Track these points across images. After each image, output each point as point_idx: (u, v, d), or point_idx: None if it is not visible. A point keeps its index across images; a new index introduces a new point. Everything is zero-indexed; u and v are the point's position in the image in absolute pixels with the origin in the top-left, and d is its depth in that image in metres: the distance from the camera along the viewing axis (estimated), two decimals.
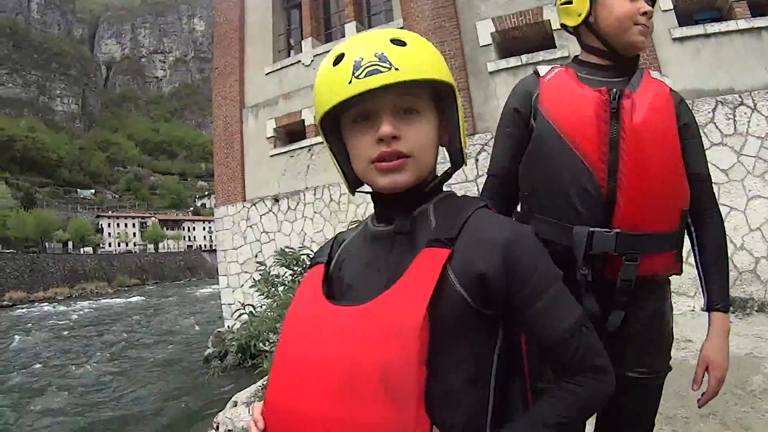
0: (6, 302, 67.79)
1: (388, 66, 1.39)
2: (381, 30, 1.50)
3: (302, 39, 20.41)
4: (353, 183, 1.70)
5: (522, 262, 1.42)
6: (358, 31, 18.53)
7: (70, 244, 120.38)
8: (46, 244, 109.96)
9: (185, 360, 23.77)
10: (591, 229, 2.26)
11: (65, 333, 36.29)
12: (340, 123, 1.60)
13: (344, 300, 1.52)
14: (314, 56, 19.57)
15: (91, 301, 65.94)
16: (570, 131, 2.33)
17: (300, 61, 20.02)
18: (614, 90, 2.31)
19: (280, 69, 20.62)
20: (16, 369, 22.67)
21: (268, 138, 20.33)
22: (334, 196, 17.87)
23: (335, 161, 1.67)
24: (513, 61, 14.77)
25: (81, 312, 51.86)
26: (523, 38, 15.24)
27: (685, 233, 2.43)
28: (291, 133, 20.15)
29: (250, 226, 20.39)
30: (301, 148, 19.20)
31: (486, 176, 2.68)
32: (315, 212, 18.36)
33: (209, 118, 24.28)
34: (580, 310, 1.48)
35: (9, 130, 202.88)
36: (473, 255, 1.42)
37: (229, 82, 21.90)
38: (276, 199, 19.63)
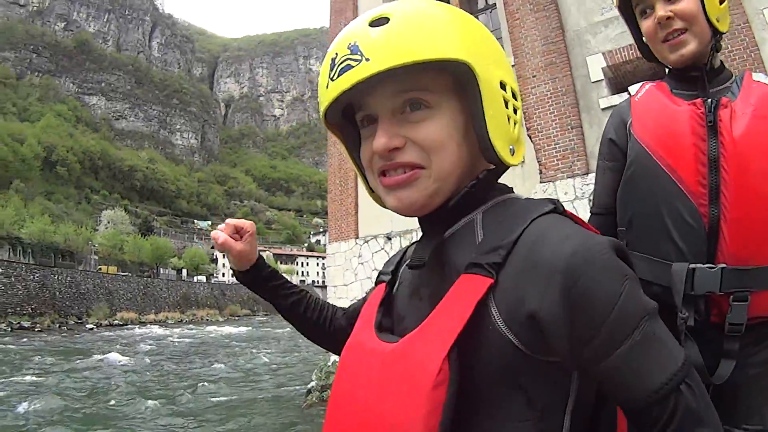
0: (118, 321, 70.31)
1: (360, 59, 1.10)
2: (367, 15, 1.18)
3: None
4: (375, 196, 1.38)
5: (592, 296, 0.99)
6: None
7: (184, 271, 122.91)
8: (161, 269, 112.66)
9: (289, 393, 23.81)
10: (692, 265, 2.00)
11: (171, 356, 37.34)
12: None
13: (394, 331, 1.26)
14: None
15: (200, 328, 67.96)
16: (663, 152, 2.09)
17: None
18: (709, 100, 2.07)
19: None
20: (118, 390, 23.16)
21: None
22: None
23: (354, 164, 1.40)
24: (626, 96, 14.30)
25: (190, 337, 53.70)
26: (634, 72, 14.65)
27: None
28: None
29: (362, 263, 20.67)
30: None
31: (589, 215, 2.46)
32: None
33: (326, 156, 24.63)
34: (680, 361, 1.01)
35: (130, 160, 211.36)
36: (525, 284, 1.04)
37: None
38: (388, 238, 19.98)
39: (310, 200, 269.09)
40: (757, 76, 2.13)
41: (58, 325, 61.42)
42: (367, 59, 1.09)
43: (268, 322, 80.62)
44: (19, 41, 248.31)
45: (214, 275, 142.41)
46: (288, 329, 58.74)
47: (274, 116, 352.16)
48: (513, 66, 16.83)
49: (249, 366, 33.07)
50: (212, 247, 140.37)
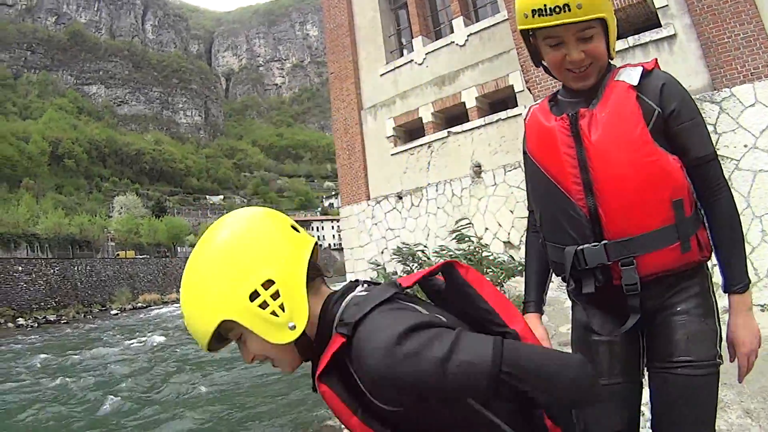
0: (141, 304, 71.17)
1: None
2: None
3: (412, 38, 20.66)
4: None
5: (400, 379, 1.39)
6: (466, 26, 18.64)
7: None
8: (178, 248, 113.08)
9: None
10: (579, 246, 2.44)
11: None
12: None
13: None
14: (426, 54, 19.77)
15: None
16: (545, 162, 2.52)
17: (412, 60, 20.27)
18: (571, 114, 2.46)
19: (394, 69, 20.96)
20: (156, 367, 23.43)
21: (388, 137, 20.68)
22: (456, 191, 17.99)
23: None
24: (620, 44, 14.03)
25: None
26: (627, 19, 14.83)
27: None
28: (410, 131, 20.41)
29: (375, 224, 20.75)
30: (421, 145, 19.39)
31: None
32: (438, 207, 18.52)
33: (331, 119, 24.65)
34: (488, 361, 1.38)
35: (137, 144, 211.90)
36: (364, 374, 1.46)
37: (346, 86, 22.39)
38: (399, 197, 19.88)
39: (320, 164, 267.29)
40: (622, 74, 2.48)
41: (83, 315, 62.12)
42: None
43: None
44: (12, 41, 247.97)
45: None
46: None
47: (276, 85, 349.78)
48: (507, 20, 16.81)
49: None
50: None
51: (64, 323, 55.34)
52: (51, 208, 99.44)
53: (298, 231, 1.76)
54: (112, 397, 18.24)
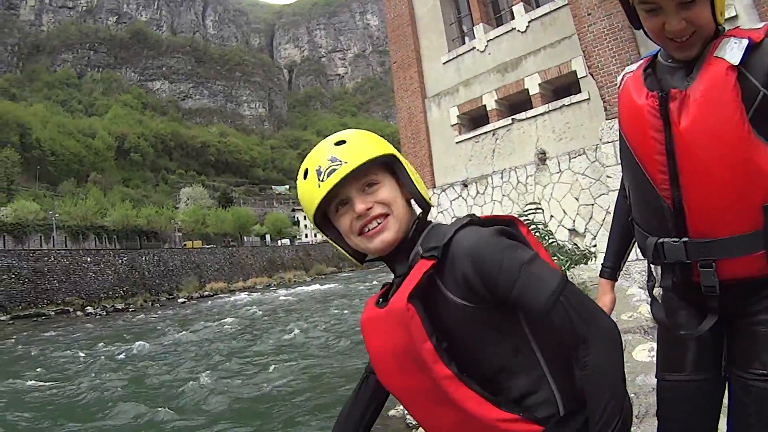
0: (208, 292, 71.77)
1: (339, 162, 1.77)
2: (325, 140, 1.88)
3: (473, 25, 20.49)
4: (358, 257, 2.04)
5: (484, 263, 1.66)
6: (527, 12, 18.51)
7: (267, 237, 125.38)
8: (244, 238, 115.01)
9: None
10: (660, 240, 2.33)
11: (265, 319, 38.44)
12: (329, 217, 1.96)
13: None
14: (488, 41, 19.63)
15: (289, 289, 69.20)
16: (633, 144, 2.36)
17: (474, 48, 20.12)
18: (662, 93, 2.23)
19: (456, 57, 20.85)
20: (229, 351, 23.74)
21: (452, 125, 20.57)
22: (521, 178, 17.88)
23: (336, 245, 2.04)
24: None
25: (279, 299, 55.18)
26: None
27: None
28: (474, 118, 20.26)
29: (441, 212, 20.63)
30: (485, 132, 19.29)
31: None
32: (503, 195, 18.45)
33: (395, 108, 24.70)
34: (553, 286, 1.64)
35: (202, 137, 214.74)
36: (456, 266, 1.70)
37: (409, 74, 22.35)
38: (465, 185, 19.84)
39: None
40: (723, 48, 2.16)
41: (150, 303, 63.23)
42: (346, 162, 1.77)
43: (354, 277, 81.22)
44: (75, 41, 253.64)
45: (298, 237, 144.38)
46: (372, 283, 59.12)
47: (339, 75, 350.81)
48: (567, 5, 16.60)
49: (342, 318, 34.00)
50: (292, 210, 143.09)
51: (132, 311, 56.46)
52: (118, 200, 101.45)
53: None
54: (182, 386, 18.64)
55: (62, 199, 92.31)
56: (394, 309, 1.74)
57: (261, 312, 42.68)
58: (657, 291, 2.55)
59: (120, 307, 58.89)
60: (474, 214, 1.88)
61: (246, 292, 70.04)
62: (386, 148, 1.87)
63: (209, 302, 60.67)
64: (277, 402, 16.01)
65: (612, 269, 2.84)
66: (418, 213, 1.95)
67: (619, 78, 2.52)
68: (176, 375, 20.67)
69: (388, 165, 1.90)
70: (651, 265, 2.47)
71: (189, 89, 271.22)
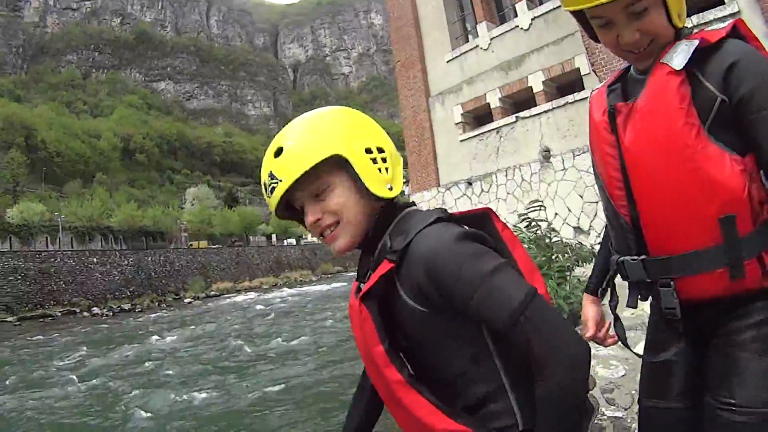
0: (214, 292, 71.73)
1: (277, 181, 1.71)
2: (271, 144, 1.78)
3: (477, 23, 20.44)
4: None
5: (441, 271, 1.56)
6: (530, 9, 18.49)
7: (273, 236, 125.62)
8: (250, 238, 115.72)
9: None
10: (621, 258, 2.24)
11: (269, 318, 38.56)
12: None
13: None
14: (491, 39, 19.62)
15: (296, 289, 69.51)
16: (595, 159, 2.29)
17: (478, 46, 20.10)
18: (610, 108, 2.16)
19: (460, 55, 20.86)
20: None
21: (456, 124, 20.57)
22: (526, 176, 17.84)
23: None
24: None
25: (285, 299, 55.02)
26: None
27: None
28: (478, 117, 20.26)
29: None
30: (489, 130, 19.27)
31: None
32: (508, 193, 18.41)
33: (399, 107, 24.74)
34: (519, 298, 1.51)
35: (207, 137, 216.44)
36: (412, 271, 1.61)
37: (413, 74, 22.43)
38: (469, 183, 19.83)
39: None
40: (670, 53, 2.03)
41: (157, 303, 63.37)
42: (280, 180, 1.70)
43: None
44: (79, 43, 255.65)
45: (304, 237, 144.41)
46: None
47: (343, 74, 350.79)
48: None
49: (346, 318, 33.58)
50: None
51: (138, 312, 56.76)
52: (124, 201, 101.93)
53: None
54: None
55: (68, 200, 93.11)
56: (352, 306, 1.80)
57: (266, 312, 42.83)
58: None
59: (126, 308, 59.10)
60: (444, 209, 1.82)
61: (252, 292, 70.27)
62: (330, 148, 1.70)
63: (215, 302, 60.83)
64: (279, 404, 16.06)
65: (595, 285, 2.68)
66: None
67: (589, 95, 2.41)
68: (175, 377, 20.77)
69: (337, 161, 1.73)
70: (614, 284, 2.45)
71: (194, 89, 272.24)
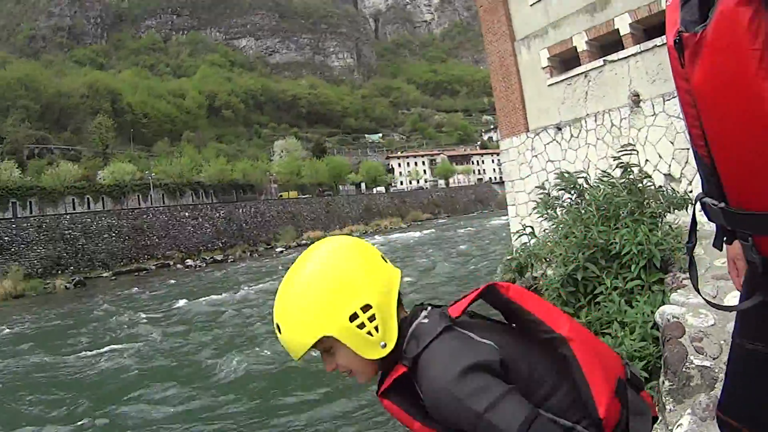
0: (305, 241, 73.03)
1: (286, 349, 1.84)
2: (274, 312, 1.86)
3: None
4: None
5: (440, 406, 1.69)
6: None
7: (362, 185, 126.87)
8: (340, 187, 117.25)
9: (474, 287, 24.17)
10: (703, 198, 1.97)
11: None
12: None
13: None
14: None
15: (385, 236, 71.38)
16: (675, 87, 1.90)
17: None
18: (677, 38, 1.76)
19: None
20: None
21: (543, 68, 20.21)
22: (615, 121, 17.52)
23: None
24: None
25: (378, 245, 55.77)
26: None
27: None
28: (565, 60, 19.84)
29: (536, 156, 20.56)
30: (577, 75, 18.88)
31: None
32: (597, 138, 18.17)
33: (484, 53, 24.46)
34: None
35: (292, 90, 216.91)
36: (422, 386, 1.76)
37: (497, 18, 22.03)
38: (558, 128, 19.59)
39: (477, 98, 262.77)
40: None
41: (249, 254, 65.63)
42: (289, 351, 1.83)
43: (448, 223, 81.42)
44: (156, 7, 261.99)
45: (393, 184, 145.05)
46: (466, 229, 59.02)
47: (425, 21, 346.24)
48: None
49: (440, 263, 34.80)
50: (387, 158, 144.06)
51: (230, 262, 58.83)
52: (213, 156, 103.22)
53: (386, 262, 1.98)
54: None
55: (157, 159, 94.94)
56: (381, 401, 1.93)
57: None
58: None
59: (219, 258, 61.26)
60: (449, 317, 1.83)
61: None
62: (316, 332, 1.79)
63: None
64: None
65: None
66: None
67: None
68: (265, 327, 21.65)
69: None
70: (695, 224, 2.12)
71: (275, 44, 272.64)
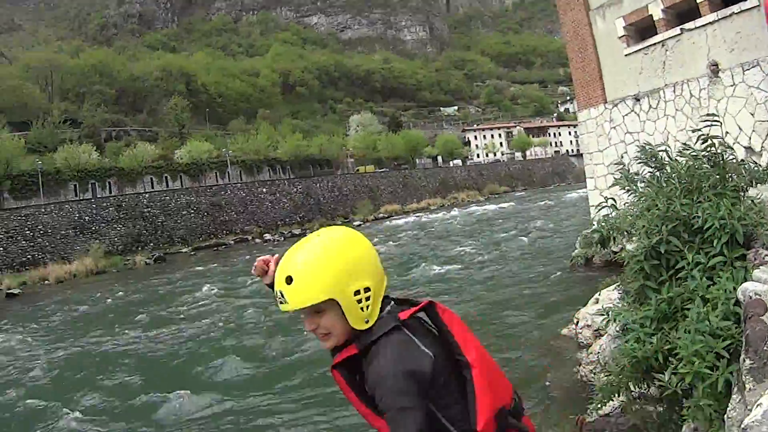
0: (382, 214, 74.83)
1: (283, 300, 2.27)
2: (282, 266, 2.35)
3: None
4: None
5: (375, 392, 2.22)
6: None
7: (439, 158, 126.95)
8: (416, 160, 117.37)
9: (552, 261, 24.86)
10: None
11: (441, 238, 39.71)
12: None
13: None
14: None
15: (462, 209, 70.54)
16: None
17: None
18: None
19: None
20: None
21: (619, 38, 19.80)
22: (694, 92, 17.09)
23: None
24: None
25: (455, 218, 55.95)
26: None
27: None
28: (641, 29, 19.39)
29: (614, 128, 20.25)
30: (653, 44, 18.49)
31: None
32: (676, 110, 17.78)
33: (558, 23, 24.25)
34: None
35: (365, 65, 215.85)
36: (368, 369, 2.29)
37: None
38: (636, 99, 19.29)
39: (552, 69, 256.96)
40: None
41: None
42: (287, 302, 2.26)
43: (526, 196, 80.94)
44: None
45: (469, 157, 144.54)
46: (543, 202, 58.56)
47: None
48: None
49: (517, 235, 34.95)
50: (462, 131, 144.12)
51: None
52: (289, 133, 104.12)
53: None
54: None
55: (234, 137, 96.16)
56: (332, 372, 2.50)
57: (436, 232, 44.45)
58: None
59: (297, 233, 61.61)
60: (398, 319, 2.38)
61: (420, 214, 71.64)
62: (327, 293, 2.27)
63: (384, 224, 63.34)
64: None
65: None
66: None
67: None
68: None
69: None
70: None
71: (347, 20, 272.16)
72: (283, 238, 60.05)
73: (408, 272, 27.31)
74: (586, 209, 24.29)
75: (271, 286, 2.63)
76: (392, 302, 2.49)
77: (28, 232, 54.86)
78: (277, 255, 2.70)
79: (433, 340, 2.42)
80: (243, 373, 15.49)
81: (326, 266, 2.28)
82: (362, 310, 2.33)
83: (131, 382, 15.69)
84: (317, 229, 2.23)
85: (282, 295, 2.29)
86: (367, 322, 2.35)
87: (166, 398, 13.51)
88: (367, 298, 2.34)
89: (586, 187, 22.88)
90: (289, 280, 2.27)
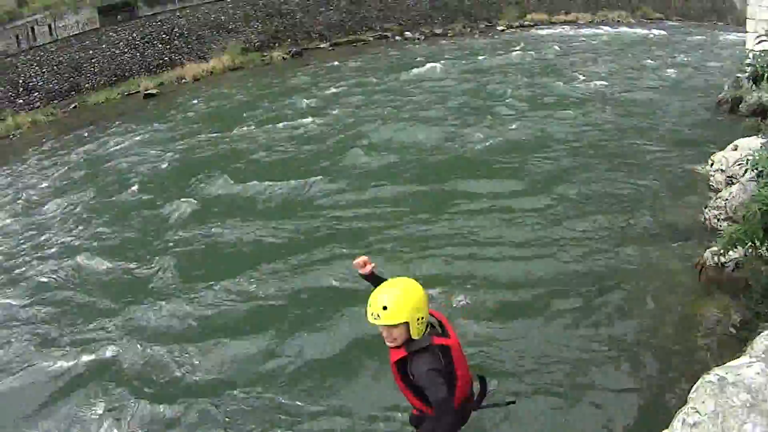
0: (528, 22, 71.67)
1: (378, 318, 4.32)
2: (381, 298, 4.38)
3: None
4: None
5: (420, 381, 4.42)
6: None
7: None
8: None
9: (696, 99, 22.94)
10: None
11: (589, 54, 38.98)
12: None
13: None
14: None
15: (612, 28, 68.65)
16: None
17: None
18: None
19: None
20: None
21: None
22: None
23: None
24: None
25: (601, 37, 55.32)
26: None
27: None
28: None
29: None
30: None
31: None
32: None
33: None
34: (439, 396, 4.30)
35: None
36: (413, 369, 4.49)
37: None
38: None
39: None
40: None
41: (468, 30, 64.77)
42: (381, 319, 4.36)
43: (683, 29, 76.54)
44: None
45: None
46: (703, 38, 54.78)
47: None
48: None
49: (663, 67, 32.55)
50: None
51: (449, 37, 59.64)
52: None
53: None
54: None
55: None
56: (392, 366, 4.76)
57: (579, 47, 43.80)
58: None
59: (438, 32, 61.49)
60: (430, 340, 4.56)
61: (566, 26, 69.91)
62: (405, 317, 4.31)
63: (531, 31, 63.08)
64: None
65: None
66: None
67: None
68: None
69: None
70: None
71: None
72: (423, 37, 59.38)
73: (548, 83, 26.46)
74: (740, 54, 22.91)
75: (365, 278, 5.01)
76: (429, 327, 4.58)
77: (164, 35, 56.04)
78: (374, 264, 5.04)
79: (439, 356, 4.53)
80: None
81: (406, 303, 4.33)
82: (418, 328, 4.36)
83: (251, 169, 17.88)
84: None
85: (378, 316, 4.28)
86: (419, 335, 4.41)
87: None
88: (421, 321, 4.39)
89: (745, 29, 21.96)
90: (384, 308, 4.27)
